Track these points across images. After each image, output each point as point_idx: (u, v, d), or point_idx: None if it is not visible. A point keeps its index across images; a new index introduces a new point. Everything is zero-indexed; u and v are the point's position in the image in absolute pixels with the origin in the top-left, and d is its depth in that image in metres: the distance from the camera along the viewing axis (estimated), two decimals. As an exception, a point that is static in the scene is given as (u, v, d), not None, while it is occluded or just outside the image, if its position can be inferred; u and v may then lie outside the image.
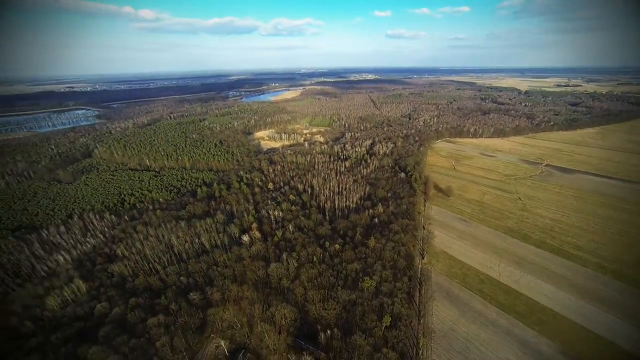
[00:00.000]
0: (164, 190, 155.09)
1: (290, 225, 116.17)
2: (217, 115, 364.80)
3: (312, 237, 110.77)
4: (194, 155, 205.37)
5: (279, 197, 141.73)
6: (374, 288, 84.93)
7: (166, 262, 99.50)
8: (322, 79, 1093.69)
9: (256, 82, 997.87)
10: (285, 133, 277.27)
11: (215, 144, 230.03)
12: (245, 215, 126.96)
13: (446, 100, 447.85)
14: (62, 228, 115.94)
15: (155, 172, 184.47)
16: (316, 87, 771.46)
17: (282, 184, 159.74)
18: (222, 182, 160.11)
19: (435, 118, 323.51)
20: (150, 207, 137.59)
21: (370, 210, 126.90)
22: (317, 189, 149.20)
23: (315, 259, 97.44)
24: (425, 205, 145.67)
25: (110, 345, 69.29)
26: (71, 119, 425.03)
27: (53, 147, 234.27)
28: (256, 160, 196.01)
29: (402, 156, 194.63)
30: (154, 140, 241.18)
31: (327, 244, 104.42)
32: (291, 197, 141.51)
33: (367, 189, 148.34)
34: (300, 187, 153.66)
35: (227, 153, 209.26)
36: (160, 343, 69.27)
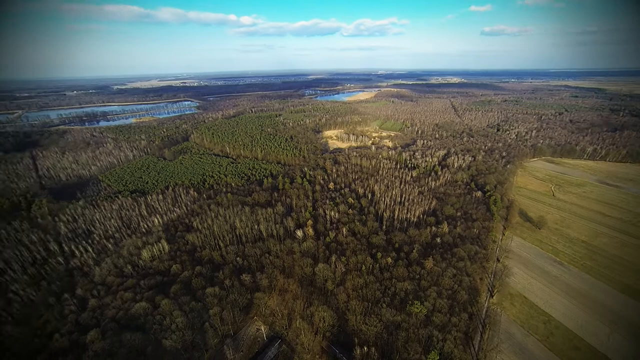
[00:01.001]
0: (237, 176, 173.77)
1: (345, 229, 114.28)
2: (291, 112, 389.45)
3: (365, 244, 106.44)
4: (266, 147, 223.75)
5: (337, 198, 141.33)
6: (423, 315, 75.87)
7: (228, 242, 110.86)
8: (400, 81, 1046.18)
9: (332, 82, 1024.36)
10: (353, 134, 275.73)
11: (286, 139, 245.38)
12: (302, 210, 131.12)
13: (554, 110, 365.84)
14: (160, 196, 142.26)
15: (233, 159, 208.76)
16: (392, 89, 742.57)
17: (343, 185, 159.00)
18: (286, 176, 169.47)
19: (534, 131, 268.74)
20: (224, 189, 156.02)
21: (433, 228, 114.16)
22: (378, 195, 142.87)
23: (364, 268, 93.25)
24: (503, 234, 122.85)
25: (176, 301, 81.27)
26: (180, 108, 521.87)
27: (164, 130, 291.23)
28: (321, 158, 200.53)
29: (481, 172, 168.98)
30: (236, 130, 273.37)
31: (379, 255, 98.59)
32: (350, 200, 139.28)
33: (433, 204, 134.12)
34: (360, 191, 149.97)
35: (295, 149, 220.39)
36: (213, 312, 77.54)
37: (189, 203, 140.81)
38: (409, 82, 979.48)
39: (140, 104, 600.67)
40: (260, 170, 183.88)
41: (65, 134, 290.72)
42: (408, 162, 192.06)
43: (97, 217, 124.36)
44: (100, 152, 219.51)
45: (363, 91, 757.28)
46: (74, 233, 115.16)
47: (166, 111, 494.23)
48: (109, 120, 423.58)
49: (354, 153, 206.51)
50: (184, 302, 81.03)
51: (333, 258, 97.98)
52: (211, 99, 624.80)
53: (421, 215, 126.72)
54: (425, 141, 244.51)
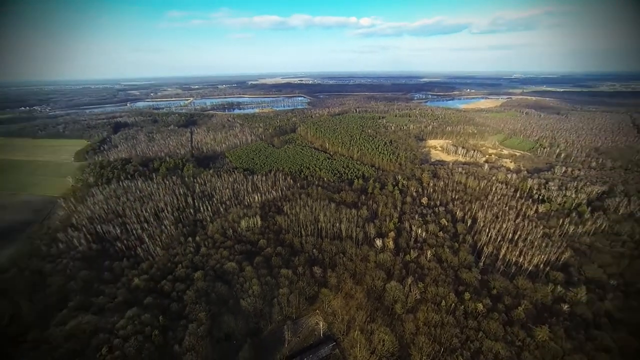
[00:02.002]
0: (330, 171, 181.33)
1: (430, 252, 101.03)
2: (396, 115, 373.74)
3: (451, 277, 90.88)
4: (363, 148, 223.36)
5: (428, 216, 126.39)
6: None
7: (309, 232, 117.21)
8: (544, 88, 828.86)
9: (448, 86, 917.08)
10: (463, 147, 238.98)
11: (385, 143, 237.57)
12: (387, 220, 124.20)
13: None
14: (264, 177, 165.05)
15: (329, 155, 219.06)
16: (529, 97, 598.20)
17: (438, 202, 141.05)
18: (378, 181, 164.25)
19: None
20: (316, 182, 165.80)
21: (559, 288, 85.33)
22: (481, 224, 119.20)
23: (444, 303, 79.73)
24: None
25: (257, 271, 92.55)
26: (294, 103, 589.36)
27: (278, 121, 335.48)
28: (419, 168, 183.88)
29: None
30: (337, 128, 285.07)
31: (467, 295, 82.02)
32: (443, 221, 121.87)
33: (566, 255, 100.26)
34: (459, 214, 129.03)
35: (393, 154, 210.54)
36: (282, 292, 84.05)
37: (284, 188, 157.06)
38: (557, 90, 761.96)
39: (264, 97, 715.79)
40: (353, 170, 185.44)
41: (212, 117, 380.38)
42: (535, 192, 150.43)
43: (218, 185, 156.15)
44: (230, 134, 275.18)
45: (486, 98, 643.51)
46: (202, 194, 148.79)
47: (282, 104, 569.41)
48: (240, 109, 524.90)
49: (460, 169, 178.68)
50: (262, 275, 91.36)
51: (409, 280, 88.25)
52: (321, 96, 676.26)
53: (541, 266, 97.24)
54: (570, 169, 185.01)
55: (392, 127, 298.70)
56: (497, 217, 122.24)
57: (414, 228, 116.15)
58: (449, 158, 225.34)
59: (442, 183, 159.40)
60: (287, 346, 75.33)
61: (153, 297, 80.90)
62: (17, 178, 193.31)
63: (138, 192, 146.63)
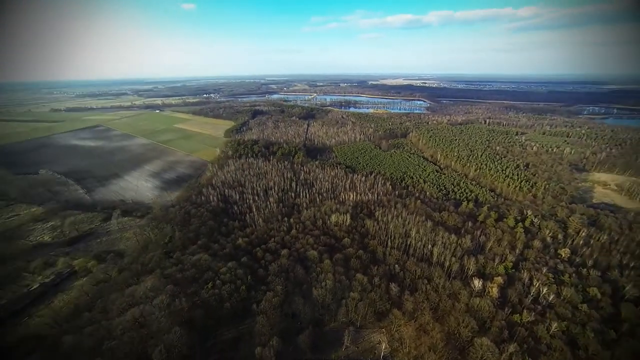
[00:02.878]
0: (435, 186, 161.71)
1: (557, 325, 74.17)
2: (544, 133, 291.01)
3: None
4: (484, 167, 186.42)
5: (567, 276, 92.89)
6: None
7: (396, 245, 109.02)
8: None
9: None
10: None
11: (517, 166, 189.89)
12: (496, 260, 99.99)
13: None
14: (363, 178, 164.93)
15: (439, 167, 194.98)
16: None
17: (590, 263, 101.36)
18: (495, 209, 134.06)
19: None
20: (417, 194, 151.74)
21: None
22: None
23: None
24: None
25: (334, 267, 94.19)
26: (411, 106, 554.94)
27: (390, 123, 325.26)
28: (565, 208, 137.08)
29: None
30: (455, 139, 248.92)
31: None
32: (594, 291, 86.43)
33: None
34: (631, 291, 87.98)
35: (526, 182, 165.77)
36: (353, 295, 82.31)
37: (381, 193, 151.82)
38: None
39: (382, 97, 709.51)
40: (465, 190, 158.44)
41: (329, 113, 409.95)
42: None
43: (320, 176, 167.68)
44: (341, 130, 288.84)
45: None
46: (305, 181, 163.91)
47: (398, 107, 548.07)
48: (356, 108, 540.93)
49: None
50: (338, 272, 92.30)
51: (511, 347, 67.88)
52: (444, 101, 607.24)
53: None
54: None
55: (534, 148, 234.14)
56: None
57: (536, 283, 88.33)
58: (631, 204, 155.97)
59: (605, 237, 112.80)
60: (344, 351, 73.74)
61: (248, 258, 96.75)
62: (191, 144, 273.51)
63: (257, 169, 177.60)
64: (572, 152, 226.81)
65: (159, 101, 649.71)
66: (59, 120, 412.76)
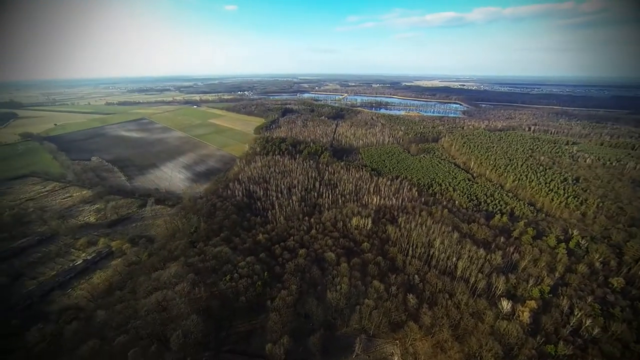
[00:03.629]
0: (466, 195, 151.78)
1: (597, 360, 65.54)
2: (601, 144, 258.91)
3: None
4: (523, 178, 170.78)
5: (619, 311, 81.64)
6: None
7: (418, 254, 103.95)
8: None
9: None
10: None
11: (565, 179, 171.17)
12: (529, 282, 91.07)
13: None
14: (388, 182, 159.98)
15: (472, 176, 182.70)
16: None
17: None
18: (532, 226, 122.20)
19: None
20: (444, 202, 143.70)
21: None
22: None
23: None
24: None
25: (351, 271, 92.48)
26: (446, 110, 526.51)
27: (421, 127, 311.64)
28: (622, 231, 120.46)
29: None
30: (492, 146, 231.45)
31: None
32: (646, 326, 75.16)
33: None
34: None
35: (574, 197, 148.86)
36: (367, 303, 79.99)
37: (406, 199, 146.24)
38: None
39: (415, 99, 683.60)
40: (500, 202, 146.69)
41: (358, 114, 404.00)
42: None
43: (344, 177, 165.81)
44: (369, 132, 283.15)
45: None
46: (329, 182, 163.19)
47: (432, 110, 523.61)
48: (387, 109, 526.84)
49: None
50: (354, 277, 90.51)
51: (543, 381, 61.23)
52: (483, 105, 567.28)
53: None
54: None
55: (587, 160, 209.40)
56: None
57: (578, 313, 78.83)
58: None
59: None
60: (355, 358, 71.91)
61: (266, 254, 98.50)
62: (222, 139, 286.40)
63: (283, 166, 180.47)
64: (637, 167, 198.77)
65: (197, 97, 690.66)
66: (111, 113, 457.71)
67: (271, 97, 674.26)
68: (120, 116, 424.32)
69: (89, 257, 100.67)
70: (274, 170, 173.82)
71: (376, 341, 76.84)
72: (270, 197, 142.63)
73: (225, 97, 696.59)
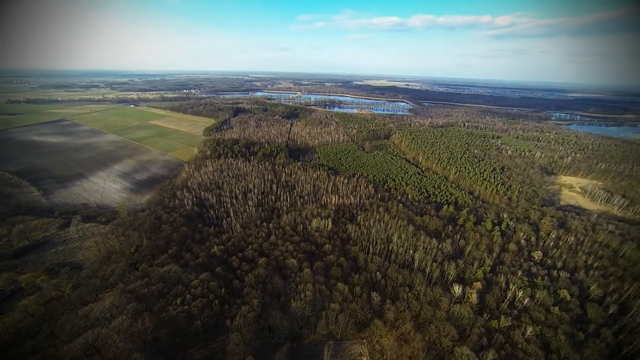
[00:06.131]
0: (417, 189, 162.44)
1: (531, 329, 75.15)
2: (517, 137, 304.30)
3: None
4: (463, 170, 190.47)
5: (540, 279, 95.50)
6: None
7: (378, 251, 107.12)
8: None
9: (616, 106, 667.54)
10: (624, 197, 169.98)
11: (494, 169, 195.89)
12: (474, 264, 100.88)
13: None
14: (345, 180, 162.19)
15: (421, 170, 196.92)
16: None
17: (560, 264, 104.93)
18: (473, 213, 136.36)
19: None
20: (399, 197, 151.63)
21: None
22: (638, 319, 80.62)
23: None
24: None
25: (314, 276, 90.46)
26: (394, 108, 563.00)
27: (373, 124, 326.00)
28: (537, 211, 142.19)
29: None
30: (436, 142, 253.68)
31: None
32: (564, 293, 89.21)
33: None
34: (595, 291, 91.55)
35: (502, 185, 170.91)
36: (333, 306, 79.07)
37: (363, 196, 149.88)
38: None
39: (366, 98, 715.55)
40: (445, 193, 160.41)
41: (312, 112, 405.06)
42: None
43: (302, 178, 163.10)
44: (324, 130, 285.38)
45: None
46: (286, 183, 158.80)
47: (382, 108, 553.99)
48: (340, 108, 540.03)
49: (611, 226, 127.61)
50: (318, 281, 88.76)
51: (489, 355, 67.70)
52: (426, 104, 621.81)
53: None
54: None
55: (509, 151, 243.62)
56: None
57: (512, 287, 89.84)
58: (592, 206, 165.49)
59: (572, 239, 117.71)
60: (324, 367, 70.30)
61: (222, 268, 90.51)
62: (167, 142, 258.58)
63: (237, 170, 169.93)
64: (542, 156, 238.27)
65: (134, 95, 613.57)
66: (16, 113, 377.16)
67: (221, 96, 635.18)
68: (31, 117, 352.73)
69: (-16, 300, 79.49)
70: (227, 175, 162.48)
71: (344, 344, 76.34)
72: (225, 204, 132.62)
73: (169, 95, 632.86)
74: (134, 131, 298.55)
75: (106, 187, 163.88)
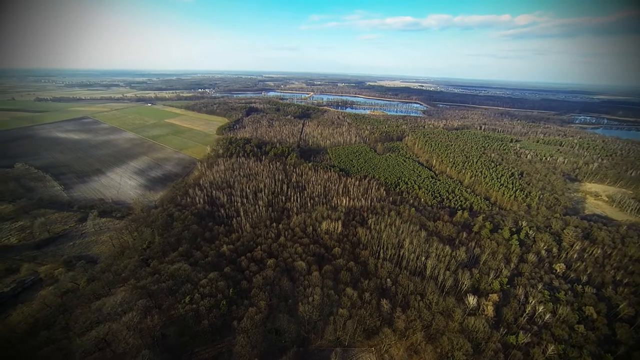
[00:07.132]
0: (430, 193, 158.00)
1: (553, 348, 70.59)
2: (537, 141, 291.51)
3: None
4: (479, 174, 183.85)
5: (562, 293, 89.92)
6: None
7: (388, 256, 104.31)
8: None
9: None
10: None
11: (512, 174, 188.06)
12: (490, 274, 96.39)
13: None
14: (357, 182, 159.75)
15: (434, 173, 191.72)
16: None
17: (585, 278, 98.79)
18: (490, 219, 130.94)
19: None
20: (411, 201, 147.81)
21: None
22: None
23: None
24: None
25: (323, 279, 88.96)
26: (408, 109, 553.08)
27: (386, 126, 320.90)
28: (559, 219, 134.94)
29: None
30: (451, 144, 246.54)
31: None
32: (590, 310, 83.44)
33: None
34: (625, 310, 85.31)
35: (521, 191, 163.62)
36: (341, 312, 77.33)
37: (375, 199, 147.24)
38: None
39: (379, 99, 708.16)
40: (460, 198, 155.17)
41: (325, 113, 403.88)
42: None
43: (312, 179, 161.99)
44: (336, 131, 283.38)
45: None
46: (297, 184, 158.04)
47: (395, 109, 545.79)
48: (353, 108, 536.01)
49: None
50: (327, 286, 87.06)
51: (508, 373, 64.08)
52: (440, 105, 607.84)
53: None
54: None
55: (528, 156, 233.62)
56: None
57: (532, 301, 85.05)
58: (621, 216, 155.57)
59: (599, 251, 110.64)
60: (331, 374, 68.65)
61: (231, 268, 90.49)
62: (181, 140, 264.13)
63: (248, 169, 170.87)
64: (565, 161, 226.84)
65: (151, 94, 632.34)
66: (43, 110, 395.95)
67: (234, 96, 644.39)
68: (56, 114, 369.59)
69: (6, 289, 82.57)
70: (239, 174, 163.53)
71: (352, 351, 74.38)
72: (235, 203, 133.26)
73: (184, 94, 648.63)
74: (150, 129, 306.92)
75: (122, 184, 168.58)
